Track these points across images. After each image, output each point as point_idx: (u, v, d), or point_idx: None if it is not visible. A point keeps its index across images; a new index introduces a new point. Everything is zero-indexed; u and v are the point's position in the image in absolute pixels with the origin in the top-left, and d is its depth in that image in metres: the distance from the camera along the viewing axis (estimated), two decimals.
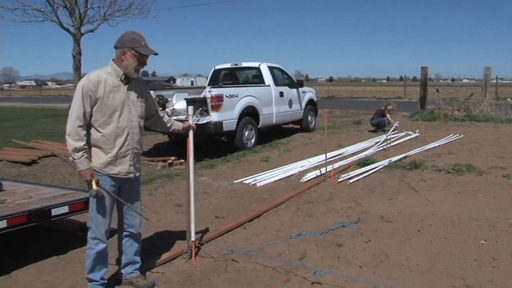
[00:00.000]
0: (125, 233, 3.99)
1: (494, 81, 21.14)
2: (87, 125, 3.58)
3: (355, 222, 5.52)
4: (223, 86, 12.57)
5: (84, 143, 3.51)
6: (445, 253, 4.62)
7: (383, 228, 5.34)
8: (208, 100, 10.14)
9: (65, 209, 4.66)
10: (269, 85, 12.54)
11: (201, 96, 10.43)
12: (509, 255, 4.56)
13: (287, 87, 13.40)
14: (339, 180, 7.73)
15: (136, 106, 3.77)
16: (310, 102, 14.90)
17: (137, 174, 3.91)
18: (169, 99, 11.02)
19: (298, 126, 14.81)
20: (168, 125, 4.29)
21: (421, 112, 18.57)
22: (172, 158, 9.63)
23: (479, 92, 20.76)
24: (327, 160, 8.39)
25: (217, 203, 6.66)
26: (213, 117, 10.17)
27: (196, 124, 9.54)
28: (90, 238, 3.71)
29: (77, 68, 21.56)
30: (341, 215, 5.90)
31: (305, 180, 7.82)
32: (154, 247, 4.83)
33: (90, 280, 3.77)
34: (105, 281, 3.86)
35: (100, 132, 3.60)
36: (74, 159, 3.48)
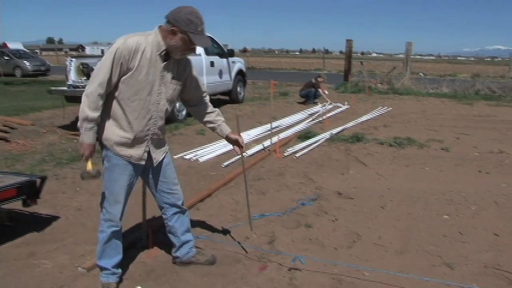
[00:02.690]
0: (170, 213, 3.53)
1: (402, 55, 21.65)
2: (109, 94, 3.00)
3: (313, 200, 5.28)
4: None
5: (98, 114, 2.95)
6: (414, 229, 4.50)
7: (345, 205, 5.14)
8: None
9: None
10: (199, 54, 11.96)
11: None
12: (473, 229, 4.54)
13: (217, 57, 12.90)
14: (285, 155, 7.47)
15: (168, 89, 3.15)
16: (240, 72, 14.51)
17: (161, 159, 3.36)
18: (94, 68, 10.13)
19: (226, 97, 14.37)
20: (212, 125, 3.53)
21: (346, 85, 18.86)
22: None
23: (401, 66, 21.38)
24: (267, 133, 8.11)
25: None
26: None
27: None
28: (103, 219, 3.27)
29: None
30: (295, 191, 5.65)
31: (249, 154, 7.47)
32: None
33: (101, 269, 3.36)
34: (119, 270, 3.41)
35: (121, 107, 3.03)
36: (82, 129, 2.94)
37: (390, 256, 3.94)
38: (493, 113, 13.36)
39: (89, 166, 3.06)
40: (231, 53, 13.79)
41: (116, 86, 2.99)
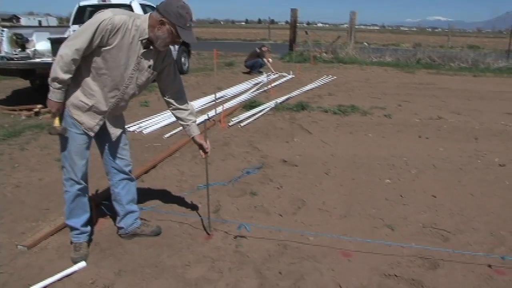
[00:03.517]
0: (116, 179, 3.49)
1: (347, 26, 22.06)
2: (83, 59, 2.95)
3: (258, 168, 5.29)
4: None
5: (69, 77, 2.93)
6: (357, 194, 4.60)
7: (290, 172, 5.19)
8: None
9: None
10: None
11: (67, 35, 9.30)
12: (413, 192, 4.70)
13: None
14: (230, 124, 7.43)
15: (141, 75, 3.13)
16: (183, 43, 14.18)
17: (119, 134, 3.35)
18: (29, 39, 9.66)
19: None
20: (181, 122, 3.50)
21: (291, 54, 18.91)
22: (39, 106, 8.46)
23: (345, 36, 21.62)
24: (212, 103, 8.05)
25: None
26: None
27: None
28: (64, 179, 3.25)
29: None
30: (241, 160, 5.64)
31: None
32: (43, 212, 4.12)
33: (71, 229, 3.39)
34: (87, 228, 3.44)
35: (90, 75, 3.01)
36: (51, 86, 2.94)
37: (334, 220, 4.01)
38: (433, 81, 13.80)
39: (56, 122, 3.06)
40: None
41: (92, 54, 2.95)
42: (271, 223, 3.90)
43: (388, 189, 4.77)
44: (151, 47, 3.04)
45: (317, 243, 3.57)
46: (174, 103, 3.42)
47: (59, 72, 2.87)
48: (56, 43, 9.04)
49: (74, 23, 11.71)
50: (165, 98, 3.43)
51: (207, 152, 3.57)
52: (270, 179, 4.94)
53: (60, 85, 2.93)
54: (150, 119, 7.81)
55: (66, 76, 2.90)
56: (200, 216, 4.02)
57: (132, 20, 2.94)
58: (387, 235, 3.73)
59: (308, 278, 3.07)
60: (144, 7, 12.06)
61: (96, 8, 12.51)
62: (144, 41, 2.99)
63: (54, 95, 2.96)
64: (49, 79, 2.94)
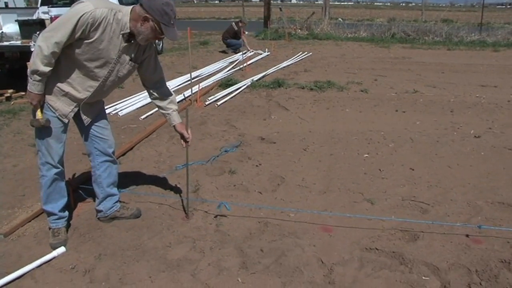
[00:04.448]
0: (99, 161, 3.44)
1: (321, 2, 22.10)
2: (63, 49, 2.86)
3: (237, 146, 5.26)
4: (62, 5, 11.04)
5: (50, 69, 2.87)
6: (336, 169, 4.62)
7: (268, 150, 5.17)
8: (47, 22, 8.81)
9: None
10: None
11: (36, 17, 9.04)
12: (391, 165, 4.74)
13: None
14: (206, 103, 7.37)
15: (122, 68, 3.09)
16: None
17: (91, 119, 3.30)
18: None
19: None
20: (162, 111, 3.50)
21: (266, 31, 18.79)
22: (10, 91, 8.24)
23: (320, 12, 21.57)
24: (187, 83, 7.96)
25: (79, 138, 5.84)
26: None
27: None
28: (40, 164, 3.19)
29: None
30: (218, 139, 5.61)
31: None
32: (19, 199, 4.02)
33: (48, 214, 3.33)
34: (65, 213, 3.39)
35: (69, 64, 2.96)
36: (31, 79, 2.88)
37: (314, 196, 4.02)
38: (408, 55, 13.89)
39: (39, 114, 3.01)
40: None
41: (72, 45, 2.88)
42: (251, 201, 3.89)
43: (366, 163, 4.80)
44: (132, 40, 2.99)
45: (297, 220, 3.57)
46: (154, 93, 3.40)
47: (39, 65, 2.81)
48: (25, 25, 8.78)
49: (43, 4, 11.38)
50: (146, 88, 3.41)
51: (187, 142, 3.55)
52: (248, 157, 4.92)
53: (40, 78, 2.87)
54: (125, 100, 7.68)
55: (47, 69, 2.84)
56: (180, 196, 3.98)
57: (114, 13, 2.88)
58: (367, 209, 3.76)
59: (290, 255, 3.07)
60: None
61: None
62: (125, 35, 2.94)
63: (35, 87, 2.90)
64: (29, 72, 2.88)
